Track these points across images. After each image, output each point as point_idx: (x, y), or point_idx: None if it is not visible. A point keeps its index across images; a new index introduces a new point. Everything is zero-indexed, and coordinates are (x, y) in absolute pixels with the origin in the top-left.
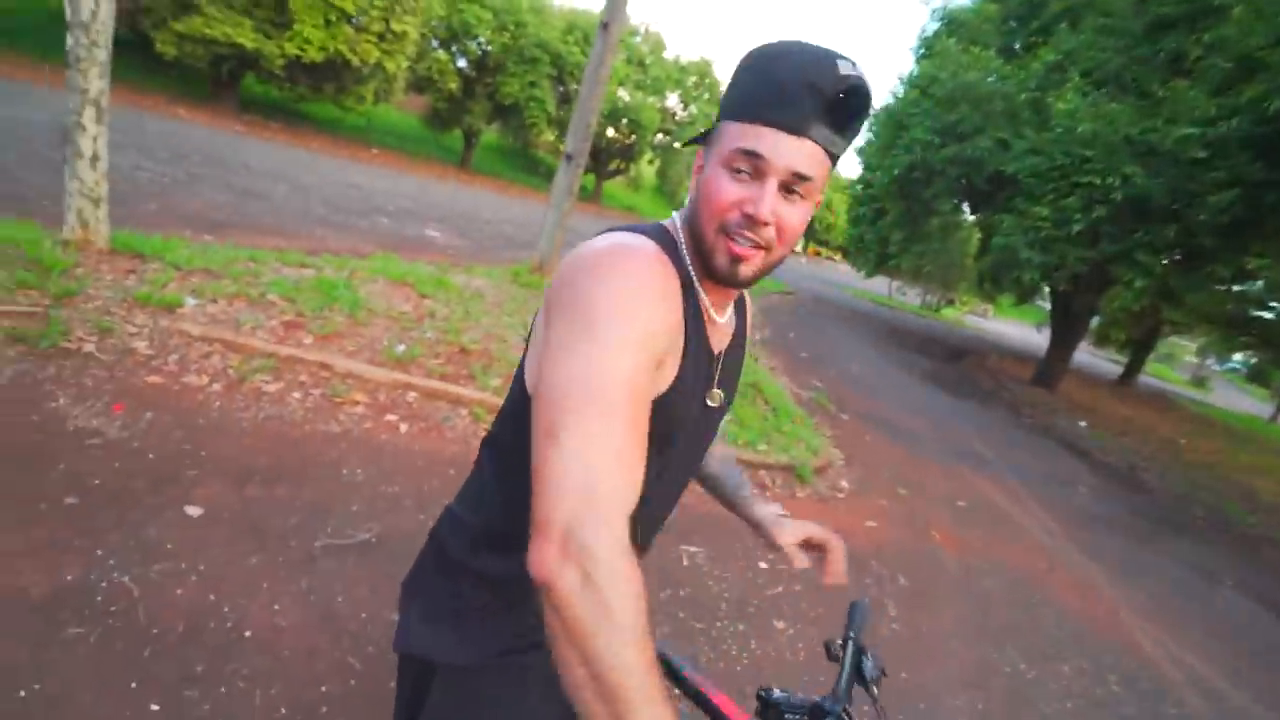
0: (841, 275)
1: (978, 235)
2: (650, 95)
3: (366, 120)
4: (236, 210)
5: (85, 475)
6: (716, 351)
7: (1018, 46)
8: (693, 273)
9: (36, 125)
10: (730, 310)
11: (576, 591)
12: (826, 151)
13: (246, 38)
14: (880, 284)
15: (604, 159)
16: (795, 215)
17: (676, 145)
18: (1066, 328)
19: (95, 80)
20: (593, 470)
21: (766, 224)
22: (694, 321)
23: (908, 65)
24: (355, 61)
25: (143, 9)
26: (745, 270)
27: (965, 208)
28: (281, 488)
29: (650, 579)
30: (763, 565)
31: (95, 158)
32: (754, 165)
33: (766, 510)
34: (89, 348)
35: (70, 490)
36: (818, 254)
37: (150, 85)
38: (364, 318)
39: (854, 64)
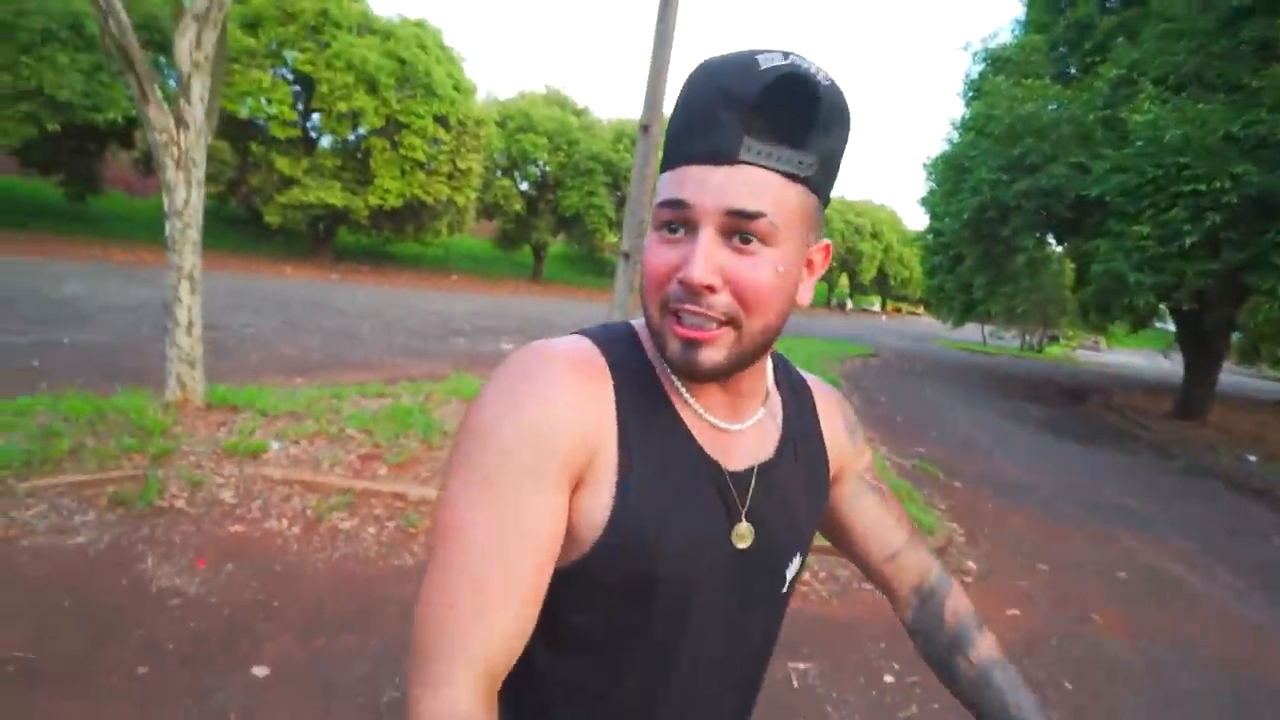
0: (926, 328)
1: (1071, 265)
2: None
3: (444, 251)
4: (327, 351)
5: (161, 640)
6: (734, 468)
7: (1073, 71)
8: (660, 372)
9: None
10: (760, 414)
11: None
12: (781, 174)
13: (336, 198)
14: (971, 331)
15: None
16: (757, 269)
17: None
18: (1201, 349)
19: (189, 257)
20: (428, 624)
21: (710, 288)
22: (656, 426)
23: (956, 109)
24: (430, 201)
25: (254, 190)
26: (706, 357)
27: (1050, 240)
28: (350, 636)
29: (758, 708)
30: (888, 679)
31: (190, 324)
32: (682, 217)
33: None
34: (180, 504)
35: (144, 659)
36: (898, 310)
37: (261, 251)
38: (438, 441)
39: (785, 54)
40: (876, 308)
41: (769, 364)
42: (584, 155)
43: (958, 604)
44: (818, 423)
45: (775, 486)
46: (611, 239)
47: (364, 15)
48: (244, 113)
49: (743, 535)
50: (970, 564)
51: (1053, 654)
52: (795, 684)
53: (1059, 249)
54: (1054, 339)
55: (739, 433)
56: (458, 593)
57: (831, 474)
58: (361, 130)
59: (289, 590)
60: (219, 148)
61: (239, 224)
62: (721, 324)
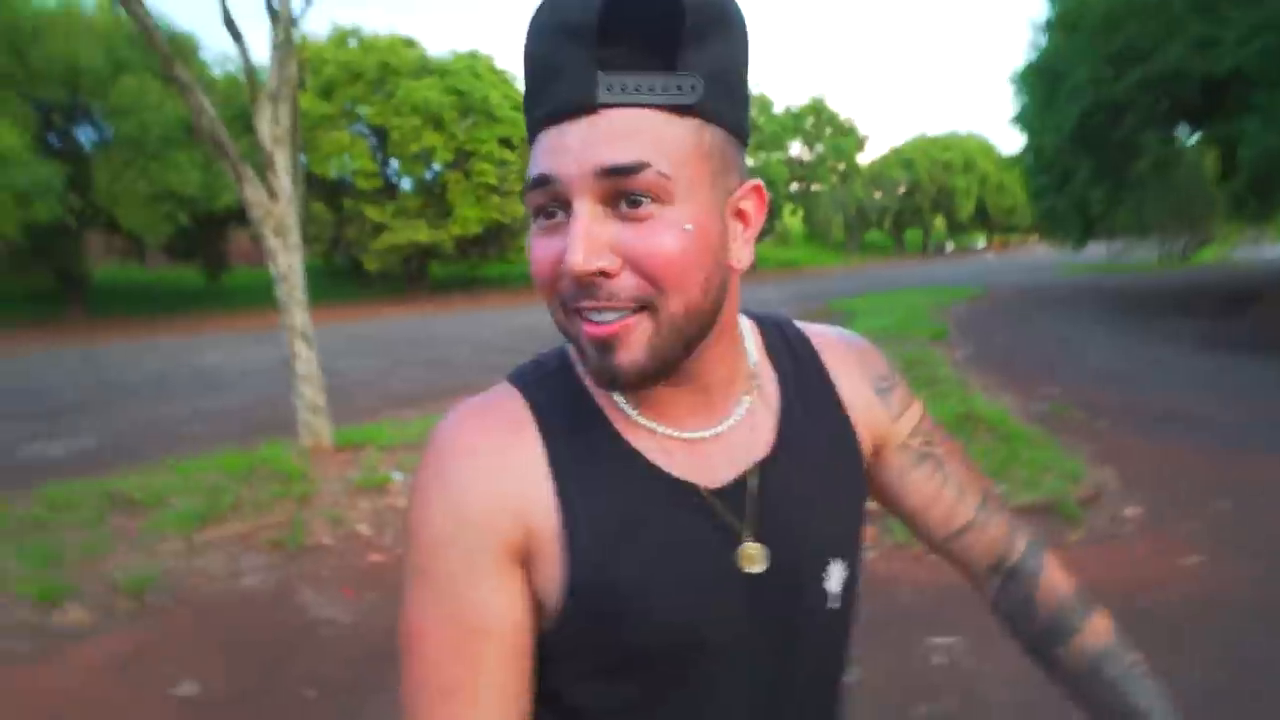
0: (1041, 258)
1: (1213, 154)
2: (773, 152)
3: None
4: (430, 382)
5: (322, 667)
6: (718, 482)
7: None
8: (604, 397)
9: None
10: (745, 403)
11: None
12: (657, 108)
13: (423, 235)
14: (1095, 252)
15: None
16: (655, 235)
17: (814, 188)
18: None
19: (298, 315)
20: None
21: (602, 273)
22: (599, 464)
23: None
24: (507, 221)
25: (351, 242)
26: (623, 358)
27: (1178, 133)
28: None
29: (894, 695)
30: None
31: (309, 376)
32: (552, 194)
33: None
34: (325, 540)
35: (311, 684)
36: (1006, 244)
37: (364, 296)
38: None
39: None
40: (981, 245)
41: (749, 337)
42: None
43: (1054, 584)
44: (831, 386)
45: (785, 485)
46: None
47: (421, 59)
48: (332, 173)
49: (752, 557)
50: (1129, 511)
51: (1245, 606)
52: (937, 661)
53: (1191, 140)
54: (1204, 243)
55: (717, 437)
56: (430, 707)
57: (865, 448)
58: (435, 167)
59: None
60: (316, 209)
61: (343, 275)
62: (630, 312)
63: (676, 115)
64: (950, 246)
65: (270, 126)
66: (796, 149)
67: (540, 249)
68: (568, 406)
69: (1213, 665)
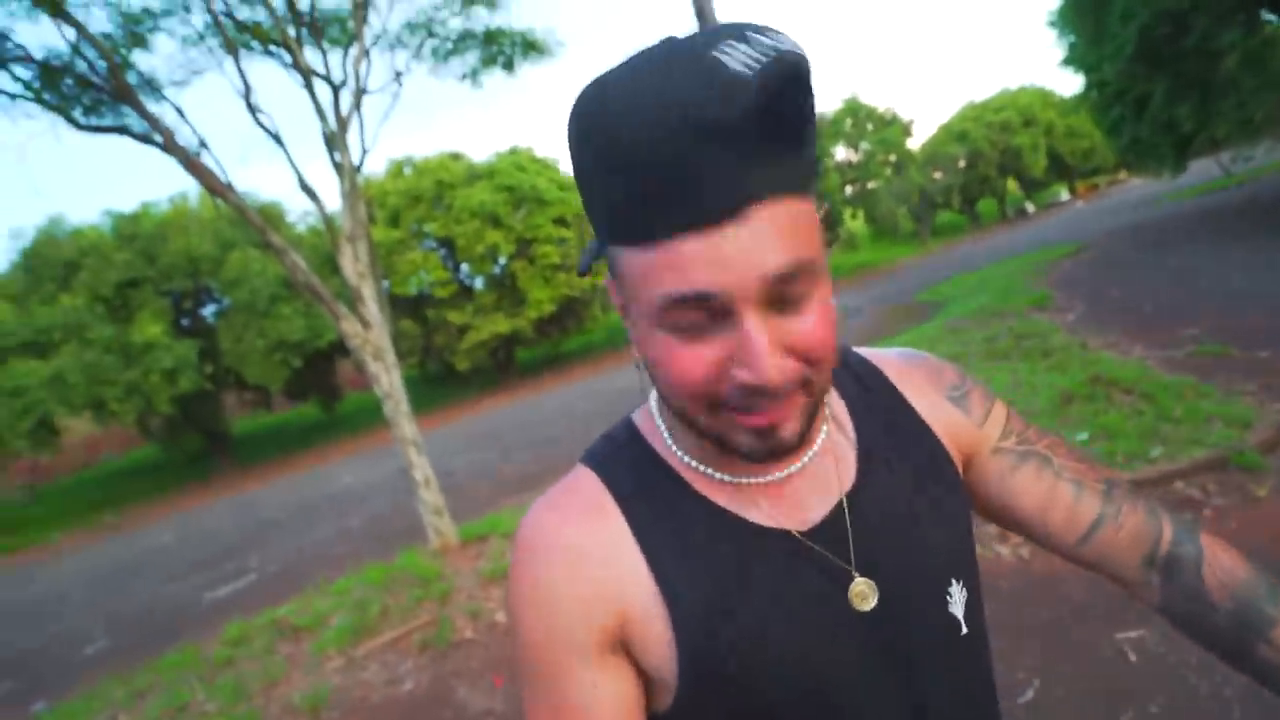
0: (1138, 193)
1: None
2: (820, 161)
3: (606, 330)
4: (537, 463)
5: None
6: (807, 524)
7: None
8: (676, 461)
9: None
10: (821, 435)
11: None
12: (796, 195)
13: (502, 325)
14: (1201, 171)
15: None
16: (815, 324)
17: (872, 186)
18: None
19: (407, 427)
20: None
21: (784, 378)
22: (687, 532)
23: None
24: (576, 294)
25: (441, 348)
26: (786, 433)
27: (1267, 15)
28: None
29: (1092, 705)
30: None
31: (427, 481)
32: (710, 311)
33: None
34: (469, 634)
35: None
36: (1094, 187)
37: (461, 396)
38: None
39: (744, 34)
40: (1065, 196)
41: None
42: None
43: (1224, 566)
44: (906, 403)
45: (880, 511)
46: None
47: (469, 168)
48: (412, 290)
49: (863, 594)
50: None
51: None
52: (1134, 658)
53: None
54: None
55: (802, 472)
56: None
57: (955, 457)
58: (501, 260)
59: None
60: (405, 326)
61: (439, 380)
62: (791, 396)
63: (803, 199)
64: (1031, 207)
65: (353, 265)
66: (842, 153)
67: (689, 359)
68: (645, 478)
69: None
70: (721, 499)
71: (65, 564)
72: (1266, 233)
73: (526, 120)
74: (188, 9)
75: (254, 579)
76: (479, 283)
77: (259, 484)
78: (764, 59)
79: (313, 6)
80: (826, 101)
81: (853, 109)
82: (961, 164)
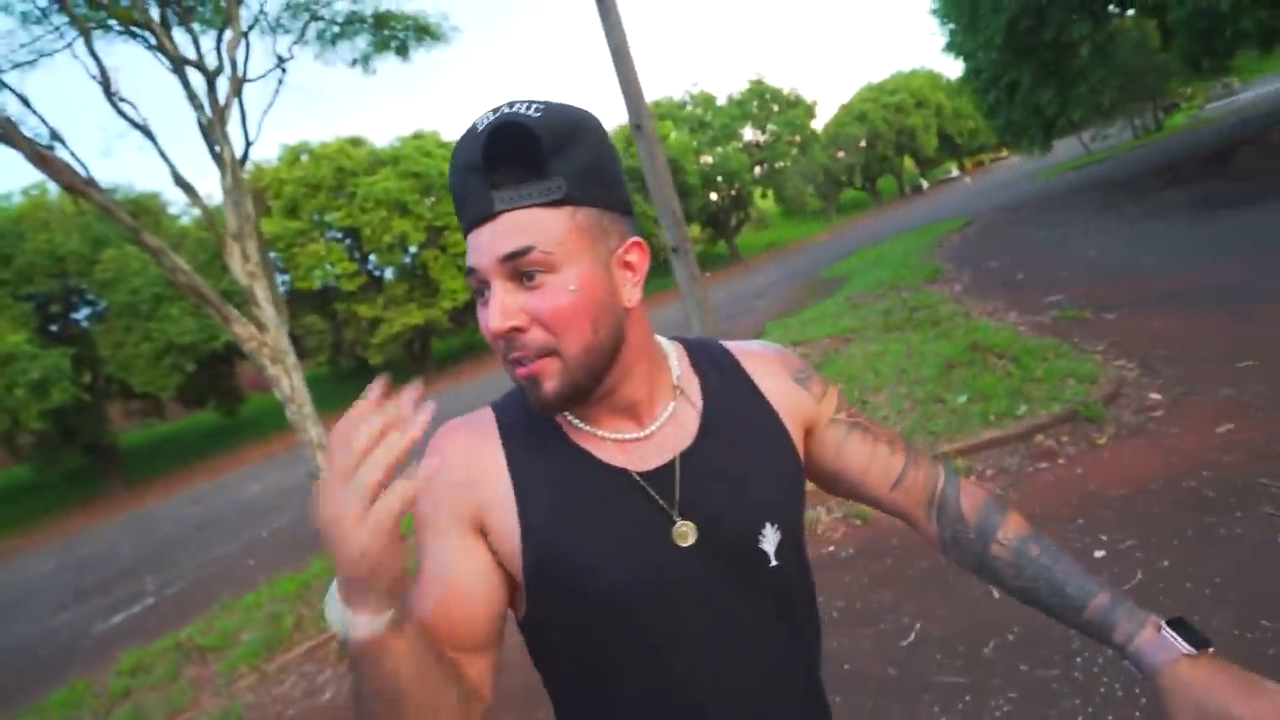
0: (1017, 170)
1: (1151, 24)
2: (727, 144)
3: None
4: None
5: None
6: (647, 468)
7: None
8: (561, 417)
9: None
10: (670, 408)
11: None
12: (537, 205)
13: (416, 317)
14: (1067, 149)
15: (723, 221)
16: (548, 297)
17: (780, 165)
18: None
19: (312, 429)
20: None
21: (516, 329)
22: (549, 459)
23: None
24: None
25: (352, 343)
26: (546, 389)
27: (1111, 9)
28: None
29: (965, 638)
30: (1099, 554)
31: None
32: (478, 281)
33: (1130, 624)
34: None
35: None
36: (980, 164)
37: None
38: None
39: (497, 110)
40: (955, 173)
41: (674, 357)
42: None
43: (972, 495)
44: (754, 387)
45: (708, 468)
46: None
47: (371, 154)
48: (317, 284)
49: (684, 534)
50: (1153, 395)
51: None
52: (995, 595)
53: (1128, 13)
54: (1173, 108)
55: (648, 436)
56: (424, 586)
57: (794, 430)
58: (412, 250)
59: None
60: (311, 322)
61: (352, 375)
62: (541, 356)
63: (552, 208)
64: (925, 184)
65: (241, 265)
66: (750, 134)
67: (482, 318)
68: (529, 418)
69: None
70: (583, 443)
71: None
72: (1116, 207)
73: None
74: None
75: (151, 603)
76: (389, 273)
77: (155, 499)
78: (492, 119)
79: None
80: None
81: (758, 90)
82: (862, 144)
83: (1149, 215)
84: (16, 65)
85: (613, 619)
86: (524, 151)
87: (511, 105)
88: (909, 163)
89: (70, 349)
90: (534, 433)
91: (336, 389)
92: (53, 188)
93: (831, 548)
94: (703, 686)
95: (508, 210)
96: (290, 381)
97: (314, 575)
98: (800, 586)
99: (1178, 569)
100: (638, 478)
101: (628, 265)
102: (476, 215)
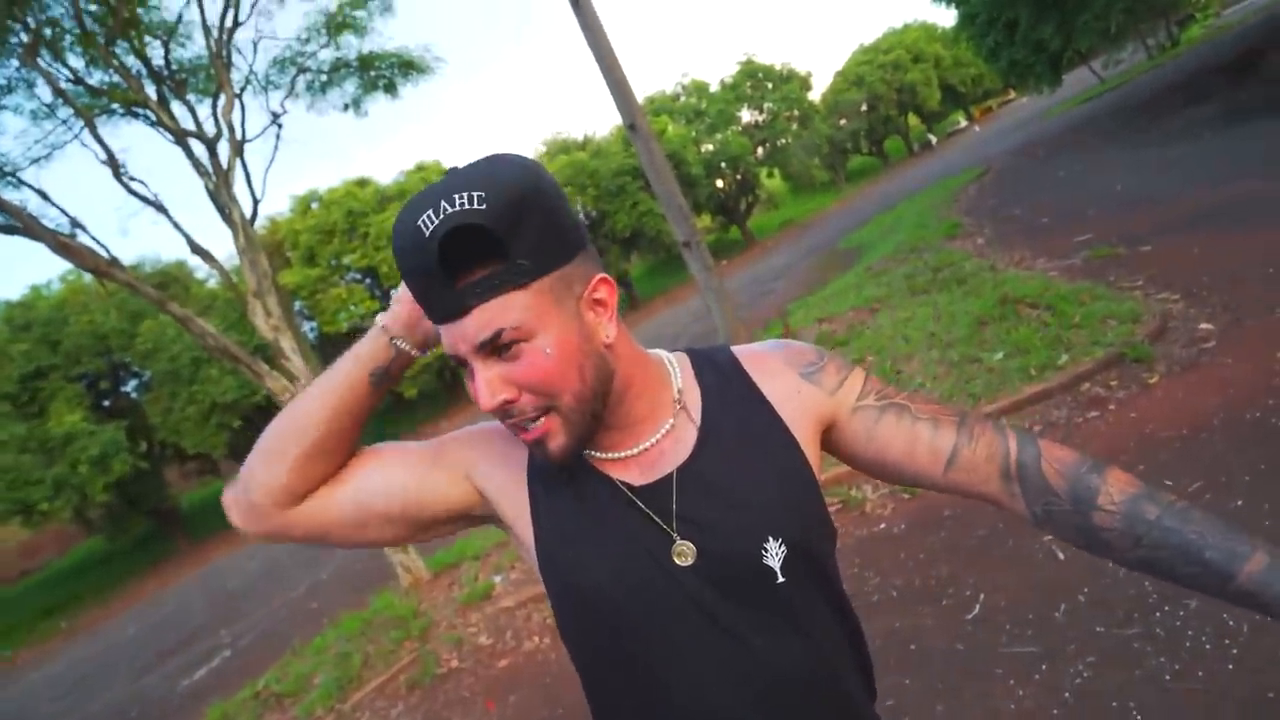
0: (1028, 110)
1: None
2: (726, 128)
3: None
4: None
5: None
6: (644, 482)
7: None
8: None
9: None
10: (666, 424)
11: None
12: (508, 288)
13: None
14: (1078, 81)
15: (733, 207)
16: (527, 365)
17: (782, 143)
18: None
19: None
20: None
21: (507, 402)
22: (573, 483)
23: None
24: None
25: None
26: (553, 448)
27: None
28: None
29: (1033, 604)
30: None
31: None
32: (460, 361)
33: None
34: (454, 663)
35: None
36: (989, 110)
37: (414, 424)
38: None
39: (443, 200)
40: (963, 123)
41: (676, 371)
42: (607, 176)
43: (1057, 459)
44: (756, 392)
45: (705, 482)
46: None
47: (377, 192)
48: (344, 326)
49: (682, 553)
50: (1203, 326)
51: None
52: (1061, 555)
53: None
54: (1188, 20)
55: (645, 452)
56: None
57: (805, 431)
58: None
59: (567, 695)
60: None
61: (388, 412)
62: (540, 415)
63: (518, 289)
64: (933, 139)
65: (264, 319)
66: (748, 115)
67: (472, 391)
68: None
69: None
70: (589, 460)
71: (25, 680)
72: (1137, 132)
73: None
74: (30, 83)
75: (228, 655)
76: None
77: (219, 554)
78: (436, 222)
79: (167, 60)
80: (724, 68)
81: (750, 71)
82: (863, 108)
83: (1174, 136)
84: (33, 161)
85: (612, 636)
86: (479, 249)
87: (449, 198)
88: (914, 120)
89: (123, 421)
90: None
91: (375, 427)
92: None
93: (882, 525)
94: (707, 708)
95: (476, 306)
96: None
97: (375, 611)
98: (817, 600)
99: (1253, 508)
100: (633, 492)
101: (597, 304)
102: (446, 314)
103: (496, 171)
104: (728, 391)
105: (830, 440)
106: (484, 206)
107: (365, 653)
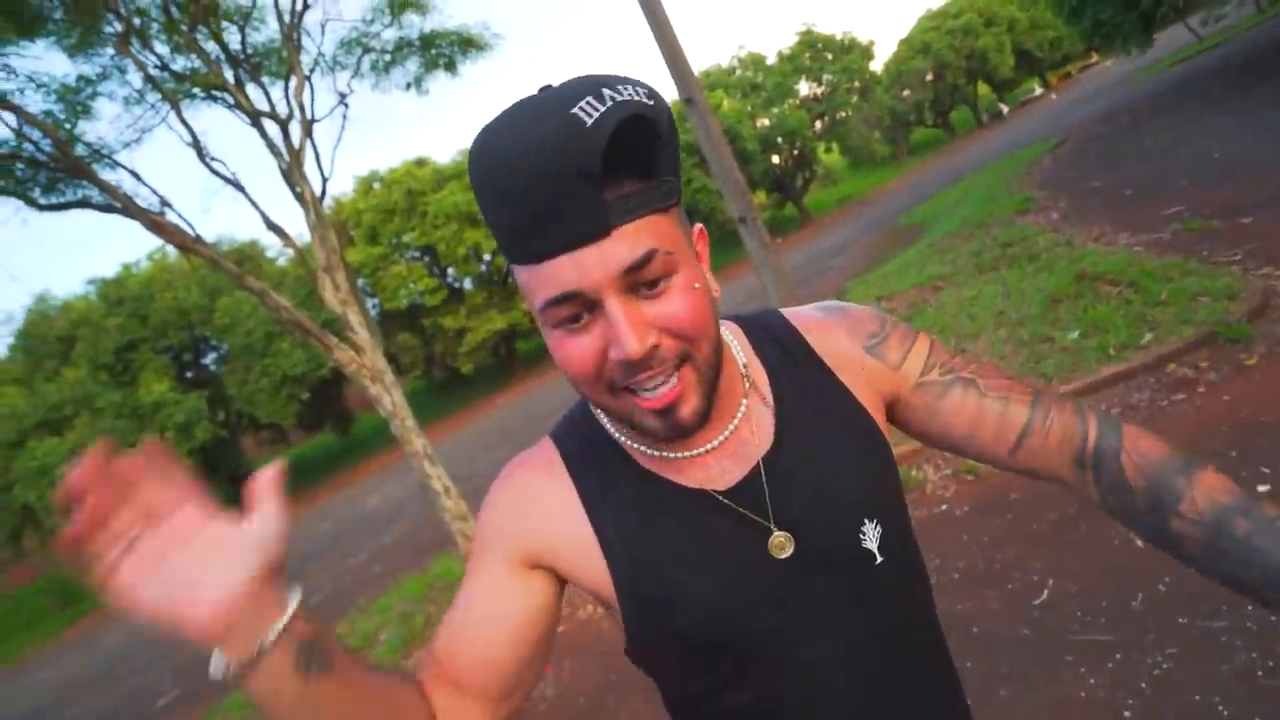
0: (1112, 75)
1: None
2: (783, 102)
3: None
4: None
5: None
6: (727, 484)
7: None
8: (612, 433)
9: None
10: (741, 409)
11: None
12: (655, 208)
13: (498, 321)
14: (1171, 41)
15: (789, 183)
16: (677, 302)
17: (841, 116)
18: None
19: (416, 441)
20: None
21: (653, 348)
22: (622, 490)
23: None
24: None
25: (444, 354)
26: (684, 413)
27: None
28: None
29: (1106, 593)
30: (1262, 488)
31: (447, 490)
32: (579, 304)
33: None
34: None
35: None
36: (1067, 76)
37: (472, 398)
38: None
39: (602, 89)
40: (1038, 91)
41: (734, 342)
42: None
43: (1140, 452)
44: (820, 361)
45: (792, 471)
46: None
47: (435, 171)
48: (404, 303)
49: (781, 545)
50: None
51: None
52: (1139, 543)
53: None
54: None
55: (723, 444)
56: (447, 623)
57: (874, 405)
58: (486, 258)
59: (621, 663)
60: (404, 340)
61: (447, 386)
62: (677, 368)
63: (655, 213)
64: (1005, 108)
65: (333, 294)
66: (806, 88)
67: (575, 348)
68: (588, 445)
69: None
70: (654, 468)
71: (124, 625)
72: (1240, 94)
73: (482, 110)
74: (122, 70)
75: None
76: (468, 284)
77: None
78: (607, 109)
79: (244, 44)
80: (781, 39)
81: (809, 42)
82: (929, 77)
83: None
84: (125, 145)
85: (717, 650)
86: (646, 151)
87: (612, 87)
88: (984, 89)
89: (204, 391)
90: (601, 463)
91: (434, 400)
92: (170, 250)
93: (944, 506)
94: (822, 707)
95: (626, 221)
96: (391, 398)
97: (435, 576)
98: (912, 578)
99: None
100: (723, 498)
101: (699, 256)
102: (584, 235)
103: (639, 79)
104: (792, 365)
105: (893, 414)
106: (653, 103)
107: (427, 614)
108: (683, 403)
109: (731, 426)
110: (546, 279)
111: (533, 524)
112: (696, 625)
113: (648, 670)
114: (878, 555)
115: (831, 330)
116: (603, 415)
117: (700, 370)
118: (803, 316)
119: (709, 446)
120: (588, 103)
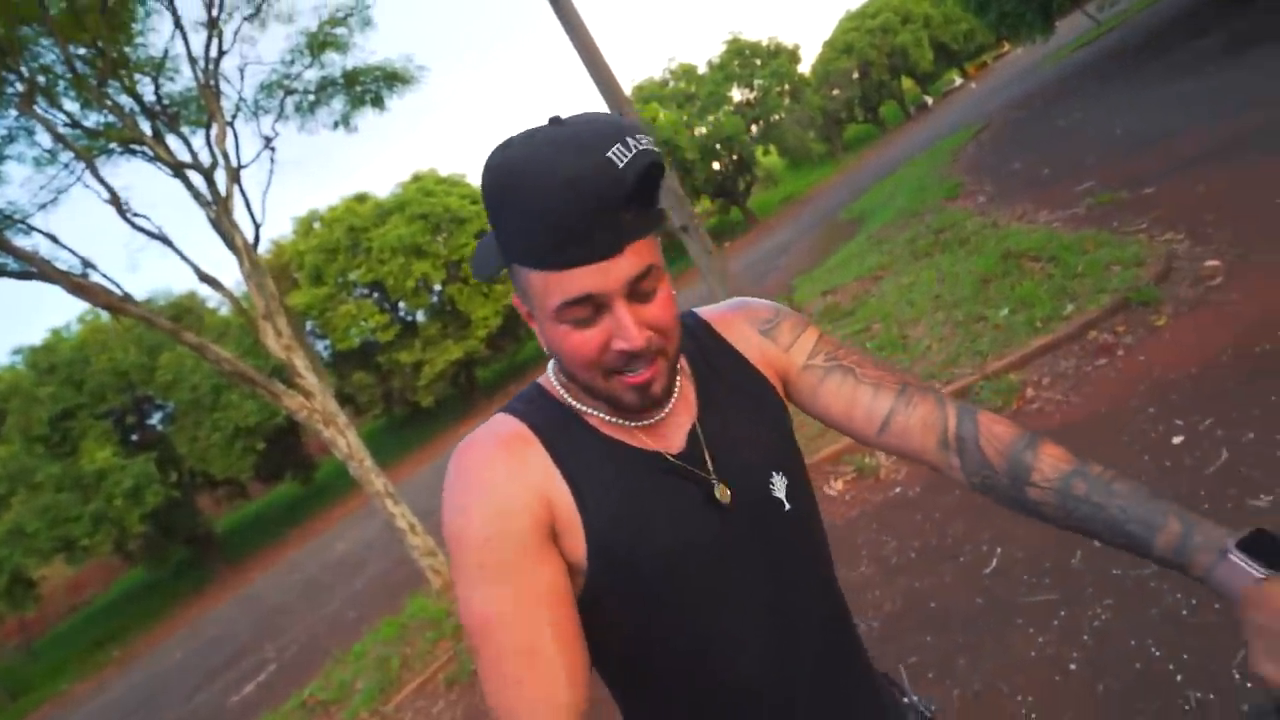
0: (1023, 62)
1: None
2: (718, 110)
3: None
4: None
5: None
6: (677, 448)
7: None
8: (576, 408)
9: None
10: (677, 388)
11: None
12: (651, 231)
13: (455, 351)
14: (1072, 28)
15: (731, 187)
16: (665, 307)
17: (776, 119)
18: None
19: (376, 481)
20: (514, 711)
21: (647, 343)
22: (590, 455)
23: None
24: None
25: (402, 389)
26: (658, 388)
27: None
28: None
29: (1049, 555)
30: (1176, 440)
31: (412, 527)
32: (589, 307)
33: (1199, 537)
34: None
35: None
36: (983, 65)
37: (434, 432)
38: None
39: (626, 137)
40: (958, 81)
41: None
42: None
43: (995, 434)
44: (727, 344)
45: (718, 432)
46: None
47: (376, 205)
48: (356, 342)
49: (724, 492)
50: (1209, 263)
51: None
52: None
53: None
54: None
55: (665, 418)
56: (516, 670)
57: (773, 379)
58: (437, 288)
59: (597, 684)
60: (360, 379)
61: (407, 422)
62: (654, 359)
63: (654, 235)
64: (929, 100)
65: (275, 341)
66: (739, 94)
67: (581, 339)
68: (552, 418)
69: None
70: (616, 436)
71: (83, 709)
72: (1137, 74)
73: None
74: (30, 131)
75: (274, 669)
76: (420, 316)
77: (257, 573)
78: (633, 154)
79: (158, 94)
80: (710, 48)
81: (737, 49)
82: (855, 76)
83: (1175, 73)
84: (40, 207)
85: (667, 582)
86: (653, 187)
87: (633, 136)
88: (908, 83)
89: (152, 453)
90: (559, 427)
91: (394, 438)
92: (102, 311)
93: (897, 489)
94: (750, 645)
95: (634, 241)
96: (347, 440)
97: (409, 615)
98: (816, 528)
99: (1265, 440)
100: (674, 459)
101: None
102: (605, 252)
103: (638, 122)
104: (707, 350)
105: (786, 393)
106: (658, 150)
107: (403, 655)
108: (655, 381)
109: (673, 401)
110: (568, 284)
111: (532, 488)
112: (657, 569)
113: (594, 622)
114: (785, 503)
115: (734, 319)
116: (565, 393)
117: (669, 358)
118: (711, 312)
119: (658, 417)
120: (618, 149)
